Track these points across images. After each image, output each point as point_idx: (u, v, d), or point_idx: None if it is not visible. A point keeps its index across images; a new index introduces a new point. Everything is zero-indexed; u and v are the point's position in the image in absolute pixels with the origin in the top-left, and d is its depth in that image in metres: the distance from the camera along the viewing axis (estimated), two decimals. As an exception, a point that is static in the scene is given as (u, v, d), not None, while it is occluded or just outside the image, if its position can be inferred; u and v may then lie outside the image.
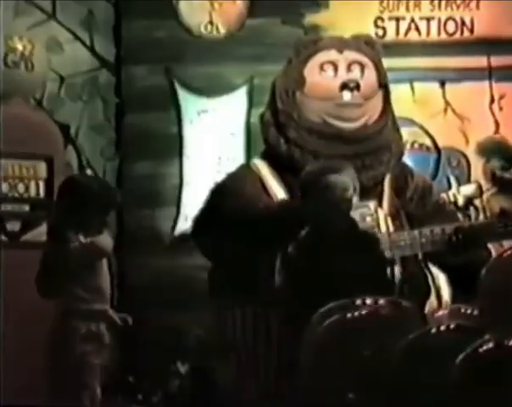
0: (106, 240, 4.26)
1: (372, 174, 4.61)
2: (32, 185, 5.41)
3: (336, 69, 4.73)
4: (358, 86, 4.68)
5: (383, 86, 4.80)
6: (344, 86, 4.67)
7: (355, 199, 4.33)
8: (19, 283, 4.89)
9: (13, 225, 5.36)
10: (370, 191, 4.53)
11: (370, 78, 4.75)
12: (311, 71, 4.73)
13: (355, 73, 4.73)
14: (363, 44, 4.85)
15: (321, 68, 4.74)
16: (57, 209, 4.47)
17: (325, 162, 4.42)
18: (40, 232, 5.22)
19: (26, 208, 5.41)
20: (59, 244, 4.24)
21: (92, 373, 4.20)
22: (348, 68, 4.73)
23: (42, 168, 5.40)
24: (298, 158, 4.63)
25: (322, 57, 4.75)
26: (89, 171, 5.67)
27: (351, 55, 4.77)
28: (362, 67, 4.76)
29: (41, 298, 4.37)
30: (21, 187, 5.40)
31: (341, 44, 4.82)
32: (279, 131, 4.72)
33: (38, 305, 4.49)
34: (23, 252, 5.14)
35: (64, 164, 5.51)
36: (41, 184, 5.42)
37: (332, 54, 4.76)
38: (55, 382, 4.24)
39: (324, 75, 4.73)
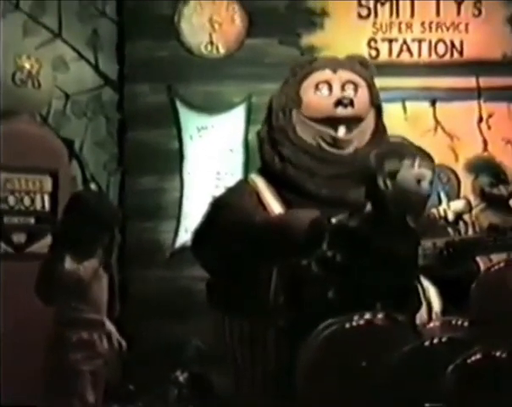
0: (89, 266, 4.24)
1: (363, 191, 4.56)
2: (38, 198, 5.41)
3: (330, 88, 4.75)
4: (352, 103, 4.70)
5: (375, 105, 4.83)
6: (338, 103, 4.70)
7: None
8: (24, 294, 4.76)
9: (19, 237, 5.36)
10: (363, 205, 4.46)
11: (363, 97, 4.77)
12: (307, 90, 4.74)
13: (349, 92, 4.75)
14: (357, 64, 4.87)
15: (316, 87, 4.75)
16: (59, 225, 4.48)
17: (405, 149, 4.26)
18: (45, 244, 5.12)
19: (32, 220, 5.40)
20: (52, 261, 4.26)
21: (84, 380, 4.20)
22: (342, 87, 4.74)
23: (48, 182, 5.40)
24: (292, 176, 4.62)
25: (317, 76, 4.77)
26: (93, 185, 5.70)
27: (345, 75, 4.78)
28: (355, 86, 4.77)
29: (42, 304, 4.38)
30: (27, 201, 5.39)
31: (335, 64, 4.84)
32: (274, 148, 4.72)
33: (43, 315, 4.44)
34: (28, 263, 5.04)
35: (69, 178, 5.53)
36: (47, 197, 5.42)
37: (327, 74, 4.77)
38: (50, 389, 4.24)
39: (319, 94, 4.74)
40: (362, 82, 4.79)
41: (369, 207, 4.08)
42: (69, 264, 4.22)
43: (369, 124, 4.76)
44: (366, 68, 4.89)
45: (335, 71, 4.79)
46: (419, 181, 4.07)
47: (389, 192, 4.04)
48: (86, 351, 4.21)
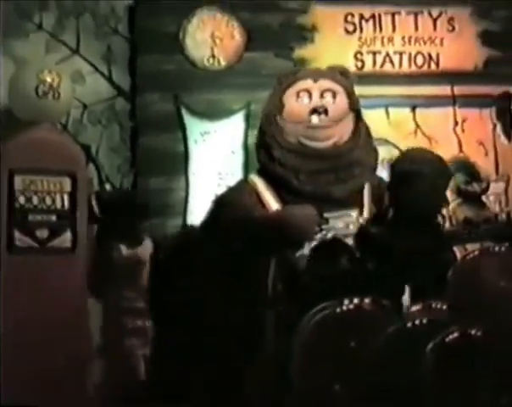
0: (145, 250, 4.32)
1: (346, 187, 4.65)
2: (58, 198, 5.41)
3: (310, 96, 4.80)
4: (326, 111, 4.74)
5: (354, 110, 4.87)
6: (314, 111, 4.74)
7: None
8: (45, 285, 5.01)
9: (42, 233, 5.37)
10: (352, 201, 4.61)
11: (340, 103, 4.79)
12: (289, 98, 4.76)
13: (327, 99, 4.77)
14: (337, 74, 4.89)
15: (297, 95, 4.78)
16: (102, 222, 4.51)
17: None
18: (65, 239, 5.29)
19: (53, 217, 5.40)
20: (104, 253, 4.30)
21: (139, 363, 4.33)
22: (321, 95, 4.77)
23: (67, 183, 5.41)
24: (282, 175, 4.70)
25: (299, 85, 4.79)
26: (108, 186, 5.73)
27: (325, 83, 4.79)
28: (334, 94, 4.79)
29: (93, 297, 4.42)
30: (49, 200, 5.41)
31: (317, 74, 4.85)
32: (267, 151, 4.79)
33: (67, 305, 4.65)
34: (51, 256, 5.22)
35: (86, 179, 5.54)
36: (66, 197, 5.42)
37: (308, 83, 4.80)
38: (110, 374, 4.36)
39: (299, 102, 4.78)
40: (340, 89, 4.78)
41: (391, 212, 4.14)
42: (125, 250, 4.25)
43: (347, 124, 4.80)
44: (346, 77, 4.91)
45: (316, 80, 4.81)
46: (432, 187, 4.14)
47: (405, 197, 4.10)
48: (141, 337, 4.29)
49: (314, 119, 4.66)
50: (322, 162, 4.63)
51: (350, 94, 4.81)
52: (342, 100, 4.76)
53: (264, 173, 4.81)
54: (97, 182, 5.74)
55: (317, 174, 4.59)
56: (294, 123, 4.68)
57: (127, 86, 5.82)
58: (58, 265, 5.11)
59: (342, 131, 4.74)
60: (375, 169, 4.82)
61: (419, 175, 4.12)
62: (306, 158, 4.64)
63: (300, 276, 4.33)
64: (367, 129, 4.87)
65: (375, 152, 4.91)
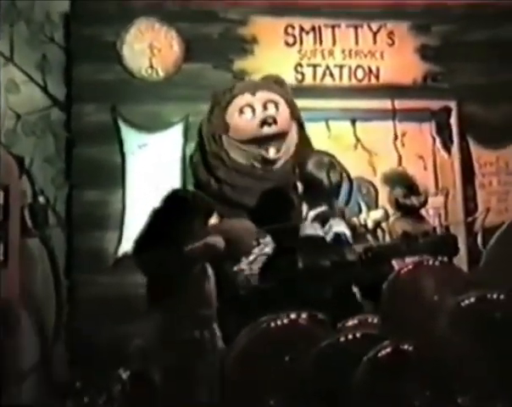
0: (216, 238, 4.28)
1: None
2: None
3: (253, 110, 4.85)
4: (275, 121, 4.82)
5: (296, 118, 4.93)
6: (263, 123, 4.80)
7: None
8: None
9: None
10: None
11: (284, 113, 4.89)
12: (232, 116, 4.84)
13: (271, 110, 4.86)
14: (272, 84, 4.97)
15: (240, 111, 4.84)
16: (159, 221, 4.46)
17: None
18: (-2, 251, 5.29)
19: None
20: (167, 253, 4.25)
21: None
22: (264, 106, 4.86)
23: (0, 195, 5.39)
24: (230, 195, 4.75)
25: (239, 101, 4.87)
26: (41, 199, 5.70)
27: (264, 95, 4.89)
28: (276, 104, 4.88)
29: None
30: None
31: (253, 87, 4.95)
32: (209, 171, 4.81)
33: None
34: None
35: (20, 192, 5.53)
36: None
37: (247, 97, 4.88)
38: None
39: (244, 117, 4.84)
40: (280, 99, 4.90)
41: None
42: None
43: (293, 137, 4.89)
44: (281, 86, 4.99)
45: (254, 94, 4.89)
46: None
47: None
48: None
49: (266, 129, 4.70)
50: (272, 182, 4.77)
51: (290, 103, 4.90)
52: (285, 110, 4.87)
53: (201, 187, 4.86)
54: (31, 194, 5.70)
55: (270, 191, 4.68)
56: (245, 143, 4.71)
57: (63, 96, 5.81)
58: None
59: (289, 148, 4.81)
60: None
61: None
62: (257, 180, 4.77)
63: (239, 290, 4.42)
64: (307, 138, 4.93)
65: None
